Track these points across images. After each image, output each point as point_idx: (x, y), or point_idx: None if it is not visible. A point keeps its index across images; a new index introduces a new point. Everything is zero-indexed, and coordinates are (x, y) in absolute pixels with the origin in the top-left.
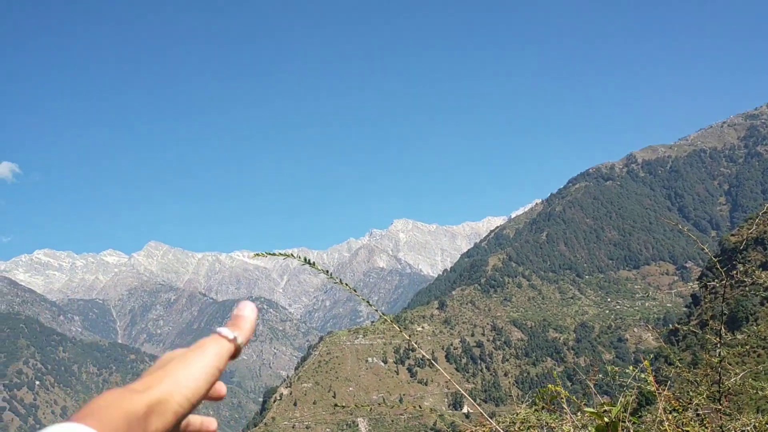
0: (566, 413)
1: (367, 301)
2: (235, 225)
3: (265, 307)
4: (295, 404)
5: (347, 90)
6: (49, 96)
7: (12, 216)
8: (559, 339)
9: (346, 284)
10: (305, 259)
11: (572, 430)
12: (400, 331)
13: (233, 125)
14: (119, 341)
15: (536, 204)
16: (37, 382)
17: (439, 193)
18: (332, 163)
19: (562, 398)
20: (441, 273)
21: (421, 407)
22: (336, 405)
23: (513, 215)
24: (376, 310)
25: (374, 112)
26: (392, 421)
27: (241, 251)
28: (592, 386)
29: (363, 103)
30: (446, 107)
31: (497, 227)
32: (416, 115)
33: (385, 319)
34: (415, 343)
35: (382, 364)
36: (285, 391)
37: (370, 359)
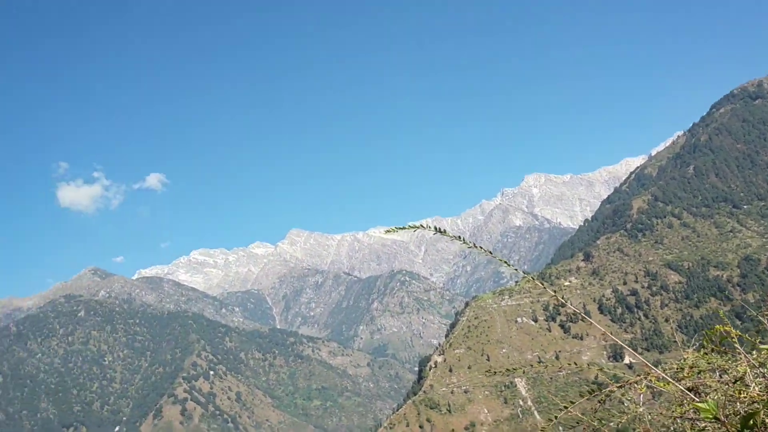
0: (739, 353)
1: (506, 262)
2: (367, 203)
3: (408, 279)
4: (450, 370)
5: (465, 43)
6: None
7: (167, 222)
8: (722, 276)
9: (481, 248)
10: (436, 228)
11: (748, 370)
12: (545, 288)
13: (354, 103)
14: (278, 326)
15: (678, 137)
16: (211, 372)
17: (569, 142)
18: (457, 126)
19: (732, 338)
20: (582, 224)
21: (577, 363)
22: (488, 371)
23: (653, 152)
24: (516, 270)
25: (490, 64)
26: (551, 378)
27: (377, 228)
28: (766, 322)
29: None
30: (564, 45)
31: (637, 168)
32: (537, 59)
33: (529, 278)
34: (563, 298)
35: (533, 323)
36: (439, 359)
37: (519, 319)
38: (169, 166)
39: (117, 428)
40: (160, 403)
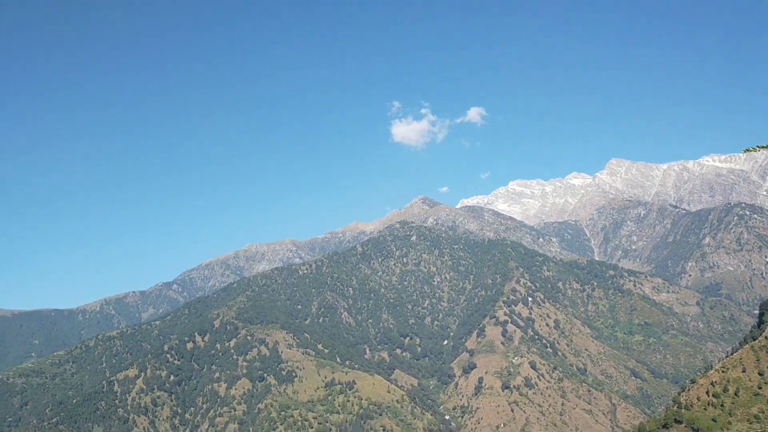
0: None
1: None
2: (699, 129)
3: (748, 213)
4: None
5: None
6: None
7: (486, 154)
8: None
9: None
10: None
11: None
12: None
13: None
14: (596, 258)
15: None
16: (530, 299)
17: None
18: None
19: None
20: None
21: None
22: None
23: None
24: None
25: None
26: None
27: (710, 156)
28: None
29: None
30: None
31: None
32: None
33: None
34: None
35: None
36: None
37: None
38: (488, 100)
39: (446, 342)
40: (482, 323)
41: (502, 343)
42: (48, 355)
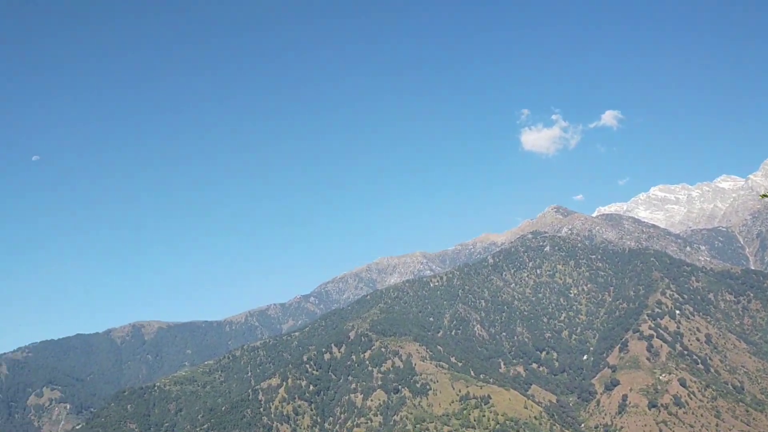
0: None
1: None
2: None
3: None
4: None
5: None
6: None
7: (624, 159)
8: None
9: None
10: None
11: None
12: None
13: None
14: (751, 267)
15: None
16: (677, 311)
17: None
18: None
19: None
20: None
21: None
22: None
23: None
24: None
25: None
26: None
27: None
28: None
29: None
30: None
31: None
32: None
33: None
34: None
35: None
36: None
37: None
38: (624, 103)
39: (585, 357)
40: (625, 338)
41: (648, 359)
42: (199, 364)
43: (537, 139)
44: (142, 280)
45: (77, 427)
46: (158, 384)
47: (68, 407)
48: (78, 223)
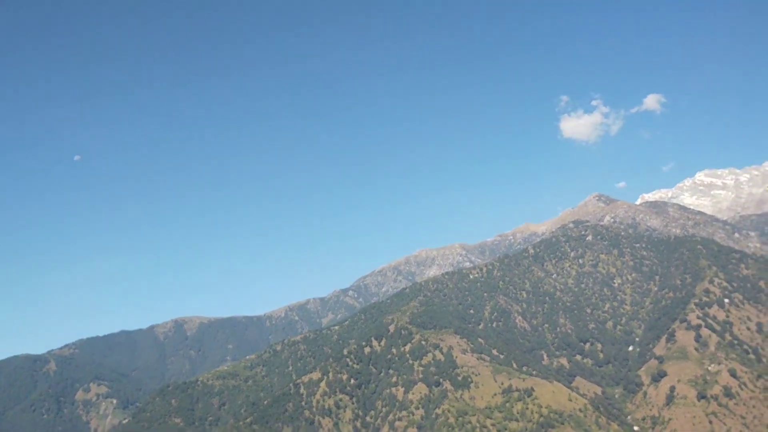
0: None
1: None
2: None
3: None
4: None
5: None
6: None
7: (668, 144)
8: None
9: None
10: None
11: None
12: None
13: None
14: None
15: None
16: (726, 300)
17: None
18: None
19: None
20: None
21: None
22: None
23: None
24: None
25: None
26: None
27: None
28: None
29: None
30: None
31: None
32: None
33: None
34: None
35: None
36: None
37: None
38: (667, 86)
39: (631, 347)
40: (672, 328)
41: (696, 349)
42: (241, 359)
43: (577, 126)
44: (182, 275)
45: (124, 422)
46: (201, 379)
47: (115, 402)
48: (120, 221)
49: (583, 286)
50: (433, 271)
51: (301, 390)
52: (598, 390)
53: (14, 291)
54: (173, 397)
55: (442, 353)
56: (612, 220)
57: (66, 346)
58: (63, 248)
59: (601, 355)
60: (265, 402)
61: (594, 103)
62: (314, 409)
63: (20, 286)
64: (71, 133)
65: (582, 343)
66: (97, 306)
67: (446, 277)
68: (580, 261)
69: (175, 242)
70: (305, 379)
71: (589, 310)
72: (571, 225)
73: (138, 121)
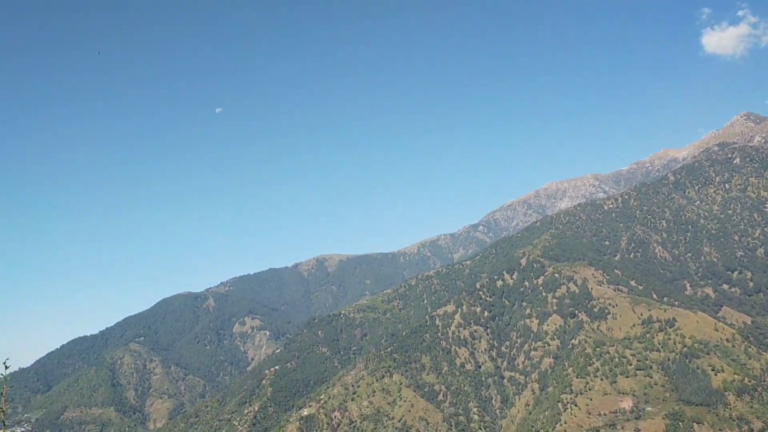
0: None
1: None
2: None
3: None
4: None
5: None
6: None
7: None
8: None
9: None
10: None
11: None
12: None
13: None
14: None
15: None
16: None
17: None
18: None
19: None
20: None
21: None
22: None
23: None
24: None
25: None
26: None
27: None
28: None
29: None
30: None
31: None
32: None
33: None
34: None
35: None
36: None
37: None
38: None
39: None
40: None
41: None
42: (378, 293)
43: (721, 39)
44: (322, 215)
45: (277, 351)
46: (343, 312)
47: (267, 334)
48: (263, 172)
49: (730, 212)
50: (564, 204)
51: (437, 322)
52: (748, 319)
53: (177, 232)
54: (319, 328)
55: (577, 285)
56: (763, 140)
57: (221, 284)
58: (213, 196)
59: (751, 284)
60: (404, 333)
61: (740, 13)
62: (450, 340)
63: (181, 227)
64: (214, 86)
65: (729, 272)
66: (248, 246)
67: (578, 209)
68: (727, 186)
69: (315, 185)
70: (440, 311)
71: (737, 237)
72: (716, 148)
73: (288, 73)
